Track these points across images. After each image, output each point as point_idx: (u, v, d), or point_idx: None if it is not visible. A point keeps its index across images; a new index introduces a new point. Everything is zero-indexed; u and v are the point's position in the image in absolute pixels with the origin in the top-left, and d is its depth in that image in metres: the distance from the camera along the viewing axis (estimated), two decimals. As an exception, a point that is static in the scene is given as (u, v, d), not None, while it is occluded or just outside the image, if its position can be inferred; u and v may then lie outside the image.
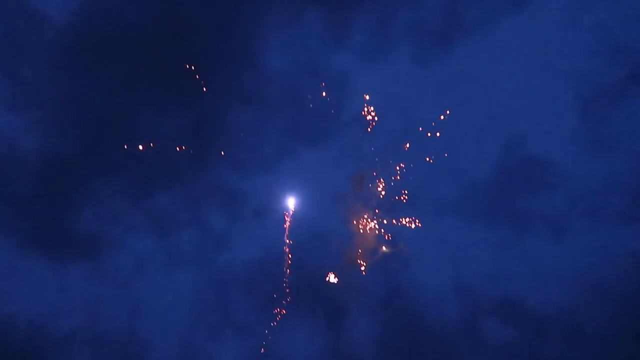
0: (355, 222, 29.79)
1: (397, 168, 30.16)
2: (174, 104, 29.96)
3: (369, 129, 29.57)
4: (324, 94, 29.28)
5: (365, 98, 29.87)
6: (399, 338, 28.94)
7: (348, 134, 31.24)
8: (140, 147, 28.09)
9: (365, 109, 29.45)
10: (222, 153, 28.79)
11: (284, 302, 28.97)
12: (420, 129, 29.58)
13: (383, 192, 30.10)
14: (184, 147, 28.78)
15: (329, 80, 30.95)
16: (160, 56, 29.32)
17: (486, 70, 30.62)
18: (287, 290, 29.07)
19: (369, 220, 30.02)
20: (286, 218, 29.54)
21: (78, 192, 29.27)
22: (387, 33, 31.17)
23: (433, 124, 29.49)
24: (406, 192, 29.82)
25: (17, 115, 28.38)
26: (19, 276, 28.40)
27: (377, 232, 29.89)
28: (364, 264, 29.46)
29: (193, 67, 27.83)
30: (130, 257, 29.91)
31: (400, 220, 29.54)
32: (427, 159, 29.88)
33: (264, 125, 30.97)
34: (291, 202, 29.84)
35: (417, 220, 29.35)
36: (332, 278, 29.03)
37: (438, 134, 28.93)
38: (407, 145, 29.47)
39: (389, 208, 29.97)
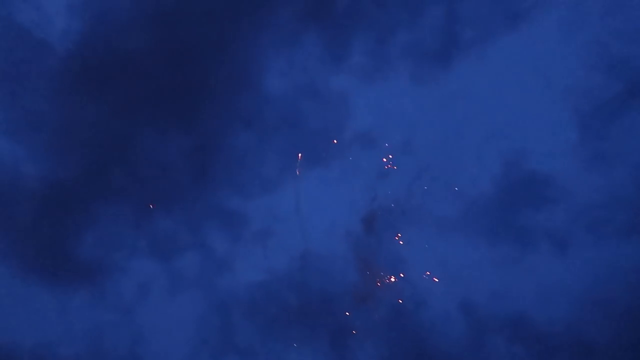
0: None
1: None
2: (173, 128, 30.09)
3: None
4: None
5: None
6: (405, 359, 28.62)
7: (349, 154, 31.42)
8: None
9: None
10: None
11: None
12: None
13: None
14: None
15: (328, 101, 31.21)
16: (160, 80, 29.59)
17: (484, 88, 30.81)
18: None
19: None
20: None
21: (79, 218, 29.31)
22: (385, 53, 31.46)
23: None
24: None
25: (18, 141, 28.57)
26: (20, 303, 28.28)
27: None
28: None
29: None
30: (133, 281, 29.77)
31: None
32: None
33: (265, 147, 31.08)
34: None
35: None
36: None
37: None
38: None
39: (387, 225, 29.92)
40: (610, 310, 27.85)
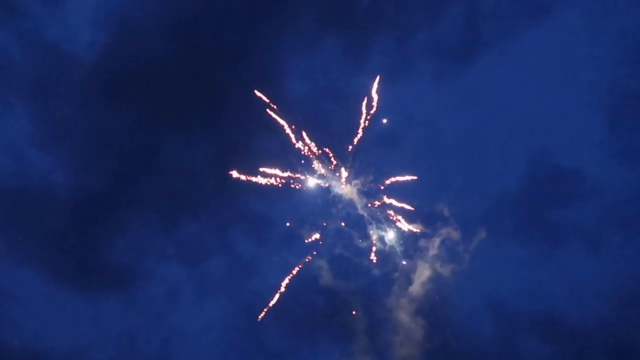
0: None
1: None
2: (198, 134, 30.53)
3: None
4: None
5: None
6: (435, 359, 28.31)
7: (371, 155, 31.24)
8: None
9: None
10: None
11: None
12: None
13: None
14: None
15: (350, 102, 31.14)
16: (184, 87, 30.06)
17: (508, 84, 30.42)
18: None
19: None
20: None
21: (109, 225, 29.96)
22: (406, 53, 31.32)
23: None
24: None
25: (49, 152, 29.43)
26: (54, 309, 29.08)
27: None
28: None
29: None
30: (162, 287, 30.29)
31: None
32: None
33: (288, 150, 31.17)
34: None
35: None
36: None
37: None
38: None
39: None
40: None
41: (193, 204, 30.59)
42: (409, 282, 29.33)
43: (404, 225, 29.00)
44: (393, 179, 29.18)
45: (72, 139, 29.96)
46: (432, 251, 29.63)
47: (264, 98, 27.99)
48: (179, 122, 30.66)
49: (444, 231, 29.59)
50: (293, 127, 28.62)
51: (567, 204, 28.83)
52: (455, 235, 28.64)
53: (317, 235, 28.92)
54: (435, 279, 29.03)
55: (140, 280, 30.01)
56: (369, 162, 29.83)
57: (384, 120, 28.62)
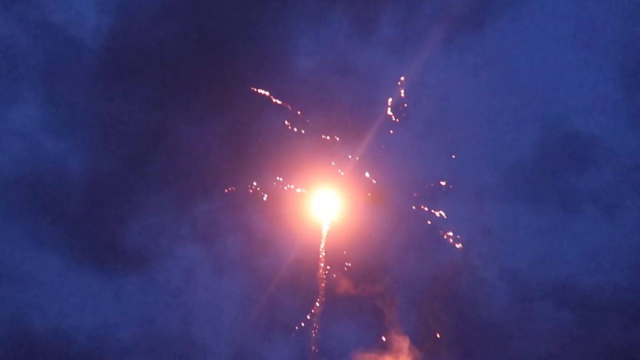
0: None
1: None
2: (208, 114, 30.55)
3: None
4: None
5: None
6: (449, 328, 28.48)
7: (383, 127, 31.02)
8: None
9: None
10: None
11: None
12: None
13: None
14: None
15: (359, 75, 30.87)
16: (191, 68, 29.99)
17: (520, 49, 29.97)
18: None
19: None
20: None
21: (125, 207, 30.34)
22: (415, 22, 30.81)
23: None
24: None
25: (61, 138, 29.77)
26: (75, 291, 29.80)
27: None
28: None
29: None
30: (180, 266, 30.80)
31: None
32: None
33: (298, 126, 31.10)
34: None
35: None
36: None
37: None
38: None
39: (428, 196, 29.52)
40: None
41: (206, 183, 30.84)
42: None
43: None
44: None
45: (84, 123, 30.27)
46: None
47: (264, 92, 27.85)
48: (189, 103, 30.70)
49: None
50: (299, 112, 28.49)
51: (582, 170, 28.50)
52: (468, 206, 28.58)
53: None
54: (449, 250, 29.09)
55: (158, 260, 30.59)
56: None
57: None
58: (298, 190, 29.47)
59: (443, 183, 28.36)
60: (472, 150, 30.08)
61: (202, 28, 30.18)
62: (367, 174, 30.20)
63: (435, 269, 29.57)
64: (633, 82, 28.04)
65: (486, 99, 30.17)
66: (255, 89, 28.14)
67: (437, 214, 29.16)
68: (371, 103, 30.95)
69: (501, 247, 29.41)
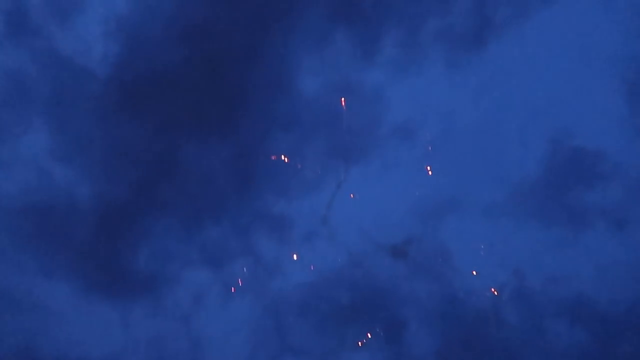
0: None
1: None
2: (214, 137, 30.79)
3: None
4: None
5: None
6: (461, 349, 28.13)
7: (388, 147, 31.18)
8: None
9: None
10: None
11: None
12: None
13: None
14: None
15: (363, 95, 31.09)
16: (198, 92, 30.32)
17: (523, 67, 29.95)
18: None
19: None
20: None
21: (133, 233, 30.44)
22: (418, 42, 31.02)
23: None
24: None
25: (70, 165, 29.95)
26: (85, 318, 29.75)
27: None
28: None
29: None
30: (188, 291, 30.69)
31: None
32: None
33: (305, 148, 31.29)
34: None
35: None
36: None
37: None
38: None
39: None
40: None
41: (214, 207, 30.95)
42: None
43: None
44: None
45: (92, 150, 30.50)
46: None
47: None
48: (195, 127, 30.98)
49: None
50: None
51: (590, 185, 28.29)
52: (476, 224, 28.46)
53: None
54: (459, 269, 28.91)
55: (166, 286, 30.54)
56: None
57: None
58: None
59: None
60: (478, 169, 30.04)
61: (207, 53, 30.57)
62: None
63: (446, 290, 29.42)
64: (637, 98, 27.96)
65: (491, 117, 30.19)
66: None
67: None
68: (376, 123, 31.18)
69: (511, 265, 29.24)
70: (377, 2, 31.21)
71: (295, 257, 30.24)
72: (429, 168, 29.21)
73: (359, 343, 28.97)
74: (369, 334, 29.23)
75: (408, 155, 30.83)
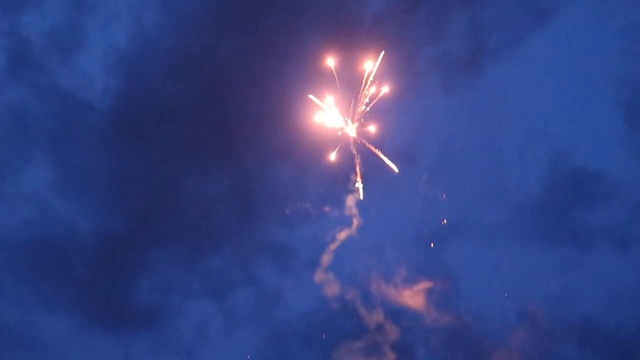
0: None
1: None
2: (215, 169, 30.92)
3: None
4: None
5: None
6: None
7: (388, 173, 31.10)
8: None
9: None
10: None
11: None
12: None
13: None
14: None
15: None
16: (197, 124, 30.58)
17: (519, 90, 30.26)
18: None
19: None
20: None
21: (135, 266, 30.32)
22: (414, 69, 31.34)
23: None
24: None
25: (71, 199, 30.05)
26: (86, 353, 29.36)
27: None
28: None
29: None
30: (191, 322, 30.39)
31: None
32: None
33: (304, 177, 31.31)
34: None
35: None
36: None
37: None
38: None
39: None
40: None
41: (215, 238, 30.85)
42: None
43: None
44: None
45: (93, 183, 30.62)
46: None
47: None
48: (196, 159, 31.13)
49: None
50: None
51: (591, 205, 28.19)
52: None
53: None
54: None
55: (169, 318, 30.29)
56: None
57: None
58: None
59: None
60: (479, 191, 29.99)
61: (206, 85, 30.90)
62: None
63: (452, 313, 28.99)
64: (633, 116, 28.15)
65: (490, 140, 30.32)
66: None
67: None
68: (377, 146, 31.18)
69: (517, 286, 28.88)
70: (373, 30, 31.71)
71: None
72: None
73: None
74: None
75: (409, 180, 30.74)
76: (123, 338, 29.79)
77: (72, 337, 29.51)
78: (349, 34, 31.65)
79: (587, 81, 28.90)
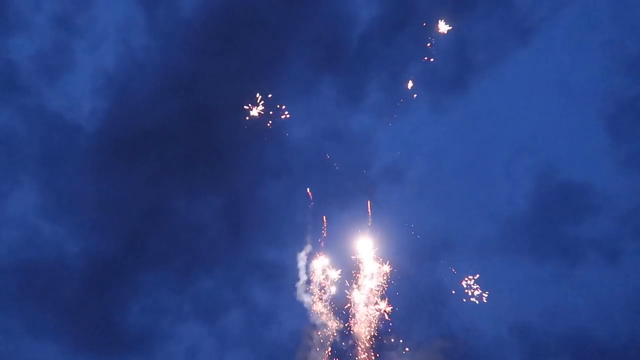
0: None
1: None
2: (204, 189, 30.80)
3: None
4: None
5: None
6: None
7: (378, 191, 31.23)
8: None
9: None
10: None
11: None
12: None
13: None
14: None
15: (350, 141, 31.44)
16: (186, 145, 30.53)
17: (505, 106, 30.72)
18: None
19: None
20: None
21: (124, 289, 29.90)
22: (401, 87, 31.66)
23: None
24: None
25: (59, 223, 29.72)
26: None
27: None
28: None
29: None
30: (182, 345, 29.93)
31: None
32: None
33: (295, 195, 31.28)
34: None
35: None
36: None
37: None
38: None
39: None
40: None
41: (205, 259, 30.59)
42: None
43: None
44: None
45: (81, 206, 30.35)
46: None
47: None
48: (185, 180, 31.01)
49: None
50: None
51: (579, 218, 28.55)
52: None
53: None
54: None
55: (159, 341, 29.80)
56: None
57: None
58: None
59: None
60: (467, 206, 30.19)
61: (196, 105, 30.91)
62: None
63: (444, 328, 28.89)
64: (617, 129, 28.70)
65: (477, 155, 30.64)
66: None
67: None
68: (365, 166, 31.35)
69: (507, 301, 28.90)
70: (361, 50, 32.11)
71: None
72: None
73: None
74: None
75: (398, 196, 30.90)
76: (112, 362, 29.28)
77: (60, 363, 28.93)
78: (336, 54, 32.13)
79: (572, 96, 29.52)
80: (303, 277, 27.95)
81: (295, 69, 31.70)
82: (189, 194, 31.00)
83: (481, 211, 29.65)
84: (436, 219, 30.38)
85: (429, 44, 27.30)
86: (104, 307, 29.92)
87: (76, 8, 30.28)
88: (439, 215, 30.41)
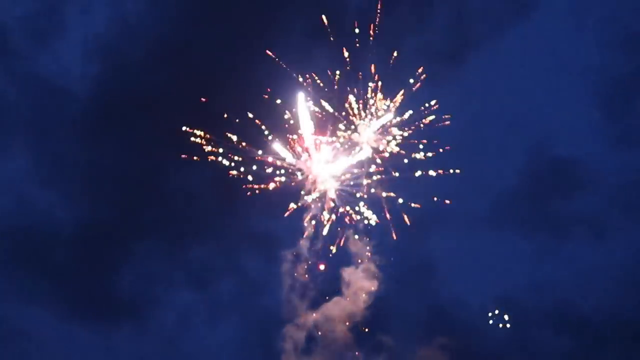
0: None
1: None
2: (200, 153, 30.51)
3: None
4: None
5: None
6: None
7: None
8: None
9: None
10: None
11: None
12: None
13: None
14: None
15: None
16: (179, 112, 30.13)
17: (500, 81, 30.63)
18: None
19: None
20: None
21: (116, 255, 29.98)
22: (397, 61, 31.43)
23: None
24: None
25: (50, 189, 29.51)
26: (66, 344, 29.06)
27: None
28: None
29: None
30: (173, 313, 30.28)
31: None
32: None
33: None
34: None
35: None
36: None
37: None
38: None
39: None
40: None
41: (198, 227, 30.63)
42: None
43: None
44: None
45: (72, 173, 30.12)
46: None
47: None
48: (178, 147, 30.71)
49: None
50: None
51: (569, 194, 28.94)
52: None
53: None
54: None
55: (151, 308, 30.10)
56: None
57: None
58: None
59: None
60: (458, 180, 30.33)
61: (188, 71, 30.49)
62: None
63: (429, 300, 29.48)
64: (610, 106, 28.91)
65: (469, 129, 30.62)
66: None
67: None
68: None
69: (493, 274, 29.51)
70: (356, 23, 31.62)
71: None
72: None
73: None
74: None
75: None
76: (104, 328, 29.59)
77: (52, 328, 29.22)
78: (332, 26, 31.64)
79: (567, 72, 29.61)
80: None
81: (290, 37, 31.32)
82: (181, 161, 30.76)
83: (472, 185, 29.82)
84: (426, 191, 30.60)
85: None
86: (95, 274, 30.08)
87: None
88: (429, 188, 30.58)
